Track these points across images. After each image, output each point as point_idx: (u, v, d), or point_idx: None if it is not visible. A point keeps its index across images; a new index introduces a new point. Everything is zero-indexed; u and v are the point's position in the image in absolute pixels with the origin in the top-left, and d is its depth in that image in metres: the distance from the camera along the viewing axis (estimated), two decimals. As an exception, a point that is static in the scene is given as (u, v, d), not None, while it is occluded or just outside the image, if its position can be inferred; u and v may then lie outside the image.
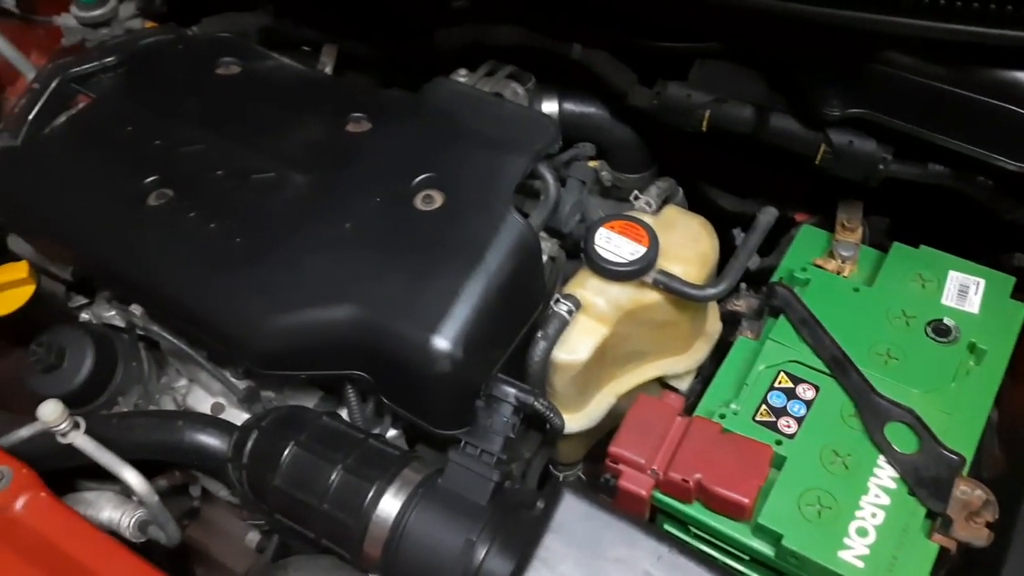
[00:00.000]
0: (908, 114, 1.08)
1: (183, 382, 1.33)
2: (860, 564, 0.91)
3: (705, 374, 1.21)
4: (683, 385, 1.21)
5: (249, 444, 1.01)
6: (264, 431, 1.01)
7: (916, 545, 0.93)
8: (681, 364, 1.19)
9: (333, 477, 0.94)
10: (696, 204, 1.50)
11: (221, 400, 1.29)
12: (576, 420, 1.14)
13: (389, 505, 0.93)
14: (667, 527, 1.06)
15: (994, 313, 1.11)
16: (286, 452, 0.97)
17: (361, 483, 0.94)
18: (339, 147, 1.26)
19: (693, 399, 1.14)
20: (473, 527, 0.90)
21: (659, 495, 1.01)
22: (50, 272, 1.39)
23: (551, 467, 1.29)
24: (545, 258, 1.28)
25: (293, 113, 1.33)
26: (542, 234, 1.30)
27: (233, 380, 1.21)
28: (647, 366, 1.18)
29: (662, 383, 1.22)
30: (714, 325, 1.23)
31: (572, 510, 0.88)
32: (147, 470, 1.16)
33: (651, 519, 1.06)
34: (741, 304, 1.20)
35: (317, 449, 0.97)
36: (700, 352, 1.20)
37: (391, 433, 1.21)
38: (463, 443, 0.97)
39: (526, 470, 1.19)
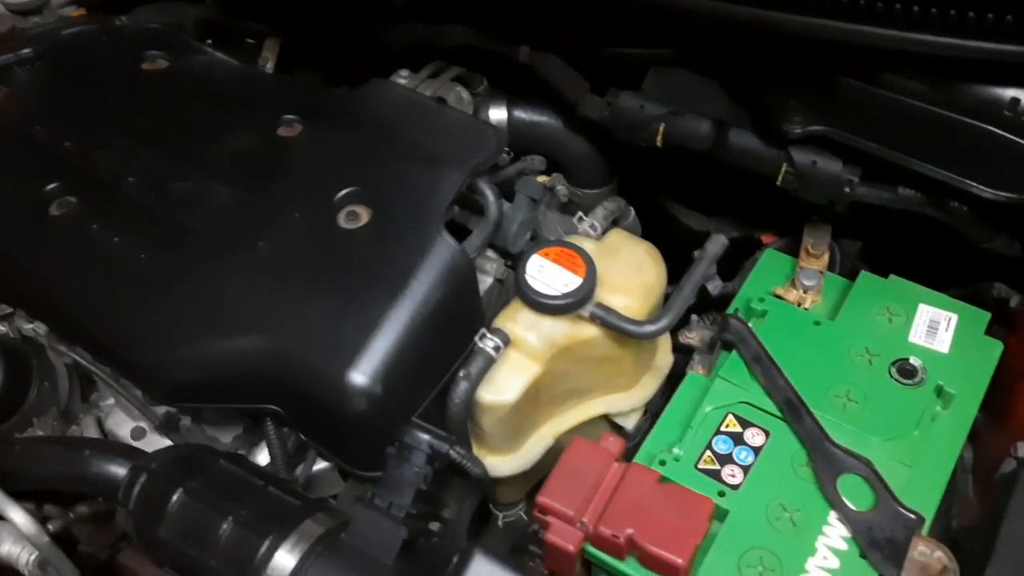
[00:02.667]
0: (875, 133, 1.02)
1: (110, 400, 1.27)
2: (802, 637, 0.85)
3: (654, 410, 1.15)
4: (630, 423, 1.15)
5: (136, 488, 0.94)
6: (153, 474, 0.95)
7: (866, 615, 0.87)
8: (626, 401, 1.12)
9: (224, 529, 0.88)
10: (660, 222, 1.44)
11: (143, 424, 1.22)
12: (508, 463, 1.08)
13: (283, 562, 0.86)
14: (603, 581, 1.00)
15: (966, 352, 1.05)
16: (174, 499, 0.90)
17: (253, 537, 0.87)
18: (267, 154, 1.20)
19: (640, 438, 1.08)
20: (373, 590, 0.84)
21: (591, 549, 0.95)
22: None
23: (492, 507, 1.23)
24: (491, 280, 1.21)
25: (222, 114, 1.27)
26: (489, 254, 1.23)
27: (150, 406, 1.15)
28: (589, 403, 1.11)
29: (609, 421, 1.15)
30: (664, 359, 1.16)
31: (481, 574, 0.82)
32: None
33: (588, 571, 1.00)
34: (694, 336, 1.13)
35: (208, 497, 0.91)
36: (648, 388, 1.13)
37: (321, 466, 1.16)
38: (371, 494, 0.90)
39: (457, 516, 1.13)
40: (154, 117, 1.27)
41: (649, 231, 1.39)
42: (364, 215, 1.07)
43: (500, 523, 1.23)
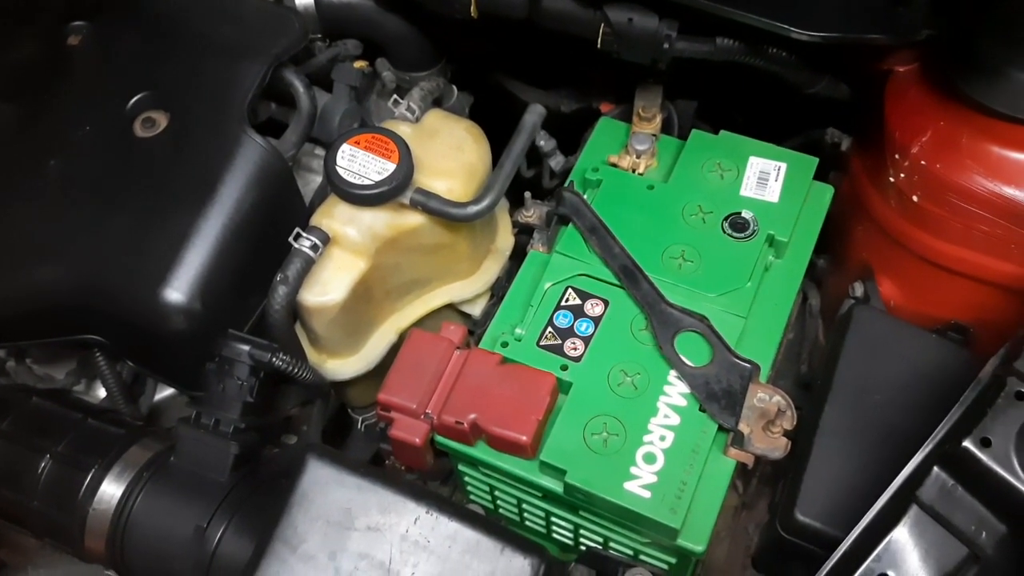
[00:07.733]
0: (684, -17, 1.03)
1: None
2: (646, 494, 0.90)
3: (501, 294, 1.17)
4: (476, 310, 1.17)
5: (-56, 439, 0.92)
6: (-40, 422, 0.92)
7: (709, 465, 0.92)
8: (469, 288, 1.14)
9: (42, 468, 0.87)
10: (501, 102, 1.44)
11: (-30, 372, 1.19)
12: (351, 365, 1.08)
13: (110, 491, 0.86)
14: (461, 468, 1.03)
15: (796, 200, 1.09)
16: (-15, 445, 0.89)
17: (75, 471, 0.87)
18: (53, 66, 1.14)
19: (488, 323, 1.10)
20: (207, 508, 0.85)
21: (441, 439, 0.98)
22: None
23: (350, 411, 1.25)
24: (319, 178, 1.20)
25: (2, 25, 1.19)
26: (317, 151, 1.21)
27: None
28: (430, 295, 1.13)
29: (456, 310, 1.17)
30: (505, 241, 1.17)
31: (317, 477, 0.83)
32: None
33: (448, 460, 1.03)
34: (532, 214, 1.14)
35: (22, 437, 0.89)
36: (489, 273, 1.15)
37: (167, 393, 1.15)
38: (195, 413, 0.90)
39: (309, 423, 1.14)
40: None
41: (490, 112, 1.38)
42: (162, 120, 1.04)
43: (360, 426, 1.25)
